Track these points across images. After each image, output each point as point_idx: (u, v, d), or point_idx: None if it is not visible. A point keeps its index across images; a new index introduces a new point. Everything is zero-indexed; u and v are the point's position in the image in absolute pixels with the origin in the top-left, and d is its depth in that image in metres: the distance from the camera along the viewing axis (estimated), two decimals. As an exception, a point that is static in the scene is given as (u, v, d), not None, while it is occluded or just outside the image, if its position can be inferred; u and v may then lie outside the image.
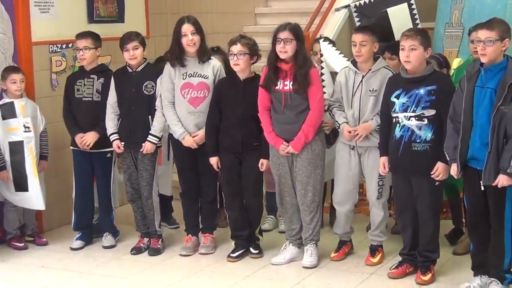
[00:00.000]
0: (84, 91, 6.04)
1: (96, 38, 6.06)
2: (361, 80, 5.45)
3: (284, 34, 5.38)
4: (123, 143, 5.90)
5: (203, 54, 5.76)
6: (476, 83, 4.77)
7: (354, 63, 5.51)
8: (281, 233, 6.23)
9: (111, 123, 5.93)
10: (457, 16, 7.40)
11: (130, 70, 5.93)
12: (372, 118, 5.40)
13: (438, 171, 5.02)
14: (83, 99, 6.04)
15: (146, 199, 5.97)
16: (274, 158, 5.60)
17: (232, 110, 5.64)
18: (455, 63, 6.29)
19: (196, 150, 5.82)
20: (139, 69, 5.91)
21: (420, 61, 5.08)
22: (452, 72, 6.05)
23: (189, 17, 5.80)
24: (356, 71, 5.48)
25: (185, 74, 5.75)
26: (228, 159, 5.71)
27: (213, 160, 5.72)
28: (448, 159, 4.92)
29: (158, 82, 5.84)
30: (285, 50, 5.37)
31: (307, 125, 5.41)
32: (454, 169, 4.87)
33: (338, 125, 5.55)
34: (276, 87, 5.45)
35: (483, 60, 4.72)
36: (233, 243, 5.88)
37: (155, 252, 6.01)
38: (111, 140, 5.93)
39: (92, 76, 6.05)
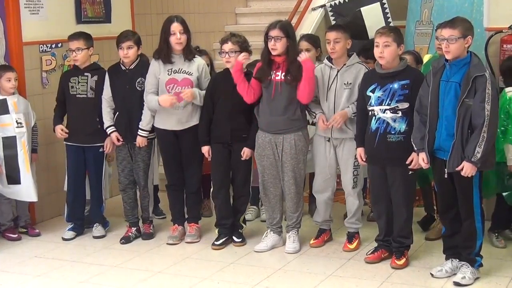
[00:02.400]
0: (79, 88, 6.02)
1: (87, 38, 6.04)
2: (336, 74, 5.49)
3: (274, 32, 5.41)
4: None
5: (189, 53, 5.78)
6: (441, 77, 4.82)
7: (330, 59, 5.56)
8: (263, 222, 6.27)
9: (107, 117, 5.96)
10: (427, 15, 7.44)
11: (123, 67, 5.95)
12: (348, 106, 5.44)
13: (414, 160, 5.07)
14: (77, 96, 6.03)
15: (143, 187, 6.03)
16: (259, 150, 5.63)
17: (223, 103, 5.67)
18: (425, 59, 6.33)
19: (180, 143, 5.85)
20: (132, 66, 5.93)
21: (394, 56, 5.13)
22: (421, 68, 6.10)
23: (178, 16, 5.81)
24: (331, 66, 5.53)
25: (170, 70, 5.76)
26: (218, 149, 5.73)
27: (205, 149, 5.75)
28: (415, 149, 4.97)
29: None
30: (275, 47, 5.40)
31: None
32: (423, 158, 4.91)
33: (314, 115, 5.58)
34: (270, 77, 5.49)
35: (448, 56, 4.78)
36: (216, 231, 5.89)
37: (148, 236, 6.08)
38: (109, 132, 5.96)
39: (86, 74, 6.04)
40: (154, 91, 5.79)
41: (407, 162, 5.09)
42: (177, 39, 5.70)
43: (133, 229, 6.12)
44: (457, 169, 4.70)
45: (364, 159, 5.32)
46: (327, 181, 5.66)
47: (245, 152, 5.68)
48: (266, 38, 5.46)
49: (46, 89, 6.49)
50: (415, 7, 7.66)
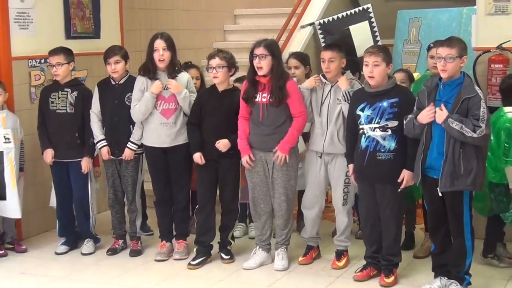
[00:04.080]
0: (58, 103, 6.00)
1: (68, 54, 6.02)
2: (330, 90, 5.50)
3: (259, 50, 5.41)
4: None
5: (172, 70, 5.75)
6: (436, 97, 4.84)
7: (324, 76, 5.56)
8: (251, 239, 6.23)
9: (98, 131, 5.94)
10: (415, 34, 7.50)
11: (113, 82, 5.94)
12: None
13: (406, 178, 5.07)
14: (57, 111, 6.01)
15: (131, 202, 6.02)
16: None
17: (210, 119, 5.65)
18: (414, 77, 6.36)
19: (168, 159, 5.83)
20: (122, 81, 5.93)
21: (383, 76, 5.14)
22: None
23: (163, 33, 5.81)
24: (325, 82, 5.53)
25: None
26: (205, 166, 5.69)
27: (197, 155, 5.68)
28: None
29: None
30: (260, 66, 5.39)
31: (295, 129, 5.44)
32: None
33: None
34: (256, 99, 5.48)
35: (443, 75, 4.79)
36: (194, 249, 5.84)
37: (136, 253, 6.04)
38: (100, 147, 5.94)
39: (66, 89, 6.02)
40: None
41: (398, 181, 5.08)
42: (159, 55, 5.69)
43: (120, 241, 6.13)
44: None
45: (351, 175, 5.32)
46: (316, 197, 5.64)
47: (222, 142, 5.58)
48: (252, 56, 5.45)
49: (35, 104, 6.41)
50: (403, 26, 7.72)
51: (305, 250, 5.80)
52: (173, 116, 5.76)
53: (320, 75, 5.60)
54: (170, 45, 5.73)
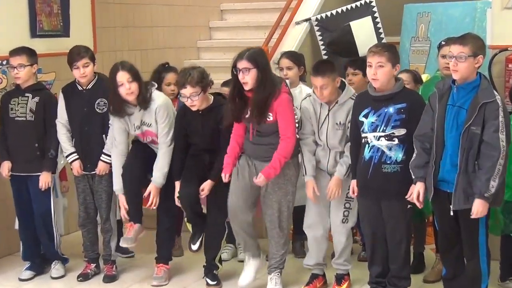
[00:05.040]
0: (18, 110, 5.94)
1: (31, 54, 5.96)
2: (327, 113, 5.39)
3: (242, 64, 5.27)
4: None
5: (144, 102, 5.66)
6: (447, 102, 4.77)
7: None
8: (240, 262, 6.15)
9: (67, 142, 5.90)
10: (424, 30, 7.48)
11: (80, 88, 5.89)
12: (337, 166, 5.37)
13: (414, 194, 4.96)
14: (16, 118, 5.94)
15: (105, 221, 5.96)
16: (237, 170, 5.51)
17: (195, 140, 5.65)
18: (423, 78, 6.32)
19: (151, 175, 5.77)
20: (90, 86, 5.88)
21: (388, 78, 5.07)
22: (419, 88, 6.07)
23: (123, 63, 5.69)
24: (321, 104, 5.41)
25: (134, 125, 5.73)
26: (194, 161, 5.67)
27: (178, 184, 5.66)
28: (413, 177, 4.90)
29: None
30: (245, 81, 5.28)
31: (279, 155, 5.31)
32: (418, 191, 4.86)
33: (304, 171, 5.47)
34: (245, 116, 5.39)
35: (455, 76, 4.72)
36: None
37: (110, 279, 5.98)
38: (70, 160, 5.90)
39: (26, 94, 5.96)
40: (124, 151, 5.78)
41: (406, 197, 5.00)
42: (126, 89, 5.60)
43: (92, 265, 6.07)
44: (474, 215, 4.64)
45: (355, 194, 5.23)
46: (320, 214, 5.53)
47: (205, 187, 5.56)
48: (235, 70, 5.35)
49: (-4, 110, 6.36)
50: (410, 22, 7.70)
51: (309, 279, 5.68)
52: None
53: (313, 92, 5.45)
54: (135, 75, 5.63)
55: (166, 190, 5.78)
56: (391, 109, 5.06)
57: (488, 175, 4.58)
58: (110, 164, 5.83)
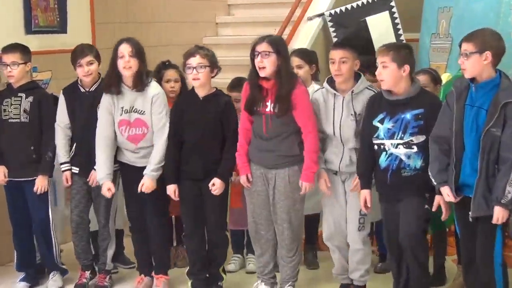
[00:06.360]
0: (11, 111, 5.98)
1: (25, 52, 6.01)
2: (342, 104, 5.43)
3: (262, 47, 5.37)
4: (77, 169, 5.93)
5: (139, 82, 5.70)
6: (466, 101, 4.81)
7: (331, 82, 5.50)
8: (249, 273, 6.22)
9: (62, 150, 5.94)
10: (445, 26, 7.47)
11: (82, 89, 5.94)
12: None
13: (436, 200, 5.01)
14: (9, 120, 5.98)
15: (104, 226, 5.99)
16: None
17: (191, 133, 5.64)
18: (444, 78, 6.34)
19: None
20: (93, 88, 5.92)
21: (394, 80, 5.09)
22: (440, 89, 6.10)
23: (130, 38, 5.78)
24: (335, 94, 5.46)
25: (121, 109, 5.74)
26: (188, 187, 5.69)
27: (170, 189, 5.68)
28: (434, 183, 4.94)
29: None
30: (263, 65, 5.36)
31: (311, 151, 5.40)
32: (447, 194, 4.87)
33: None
34: (258, 108, 5.45)
35: (465, 75, 4.80)
36: (189, 283, 5.83)
37: None
38: (62, 170, 5.92)
39: (20, 94, 6.00)
40: (108, 136, 5.77)
41: (433, 209, 5.02)
42: (125, 62, 5.64)
43: (87, 272, 6.10)
44: (494, 221, 4.67)
45: (369, 205, 5.27)
46: (337, 224, 5.58)
47: (216, 185, 5.58)
48: (253, 55, 5.44)
49: (-13, 113, 6.42)
50: (431, 17, 7.69)
51: None
52: (142, 142, 5.77)
53: (326, 81, 5.57)
54: (138, 52, 5.69)
55: (156, 195, 5.79)
56: (408, 115, 5.08)
57: (505, 179, 4.61)
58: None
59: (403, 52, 5.15)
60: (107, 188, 5.73)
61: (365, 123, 5.29)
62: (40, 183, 5.95)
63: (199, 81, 5.60)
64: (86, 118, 5.89)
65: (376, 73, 5.12)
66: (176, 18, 8.95)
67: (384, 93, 5.19)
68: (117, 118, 5.75)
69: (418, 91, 5.14)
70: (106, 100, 5.76)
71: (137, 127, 5.74)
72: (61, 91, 6.03)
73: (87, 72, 5.84)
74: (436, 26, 7.57)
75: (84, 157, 5.91)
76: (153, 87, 5.76)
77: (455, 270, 5.92)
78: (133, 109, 5.73)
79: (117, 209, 6.12)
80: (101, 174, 5.75)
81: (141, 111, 5.72)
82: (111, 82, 5.71)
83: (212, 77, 5.70)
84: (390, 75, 5.07)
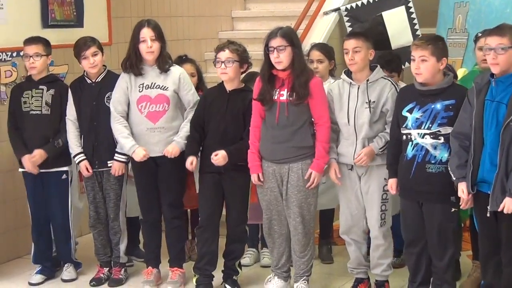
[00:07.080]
0: (32, 103, 6.02)
1: (47, 45, 6.05)
2: (357, 92, 5.45)
3: (276, 42, 5.38)
4: None
5: (163, 63, 5.76)
6: (486, 97, 4.80)
7: (348, 73, 5.53)
8: (263, 267, 6.24)
9: (75, 142, 5.95)
10: (461, 21, 7.48)
11: (89, 80, 5.96)
12: (374, 140, 5.42)
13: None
14: (31, 112, 6.02)
15: (113, 221, 6.02)
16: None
17: (215, 124, 5.65)
18: (459, 73, 6.34)
19: (159, 170, 5.83)
20: (99, 79, 5.96)
21: (433, 73, 5.08)
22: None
23: (150, 20, 5.81)
24: (351, 83, 5.49)
25: (141, 86, 5.75)
26: (208, 180, 5.71)
27: (189, 159, 5.66)
28: (453, 179, 4.93)
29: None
30: (280, 60, 5.38)
31: (323, 141, 5.42)
32: (463, 190, 4.87)
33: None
34: (273, 98, 5.46)
35: (495, 70, 4.76)
36: (194, 280, 5.85)
37: (116, 283, 6.07)
38: (77, 161, 5.94)
39: (41, 87, 6.04)
40: (123, 113, 5.78)
41: (462, 207, 4.99)
42: (147, 47, 5.68)
43: (105, 269, 6.13)
44: (500, 208, 4.66)
45: (394, 192, 5.28)
46: (353, 218, 5.59)
47: (219, 155, 5.54)
48: (267, 50, 5.45)
49: (6, 106, 6.42)
50: (447, 12, 7.69)
51: (353, 283, 5.76)
52: (161, 119, 5.76)
53: (343, 73, 5.58)
54: (159, 35, 5.74)
55: (172, 185, 5.83)
56: (438, 106, 5.06)
57: None
58: (125, 162, 5.89)
59: (441, 44, 5.15)
60: (143, 155, 5.71)
61: (394, 116, 5.29)
62: (38, 155, 5.93)
63: (227, 75, 5.62)
64: (92, 108, 5.92)
65: (414, 67, 5.10)
66: (192, 13, 8.95)
67: (415, 83, 5.18)
68: (135, 96, 5.76)
69: (450, 83, 5.14)
70: (123, 79, 5.79)
71: (158, 104, 5.74)
72: (69, 85, 6.06)
73: (92, 64, 5.87)
74: (452, 21, 7.58)
75: (91, 149, 5.94)
76: (177, 67, 5.85)
77: (470, 266, 5.91)
78: (155, 85, 5.75)
79: (127, 202, 6.12)
80: (128, 144, 5.73)
81: (164, 86, 5.75)
82: (131, 63, 5.74)
83: (242, 72, 5.71)
84: (429, 69, 5.06)
